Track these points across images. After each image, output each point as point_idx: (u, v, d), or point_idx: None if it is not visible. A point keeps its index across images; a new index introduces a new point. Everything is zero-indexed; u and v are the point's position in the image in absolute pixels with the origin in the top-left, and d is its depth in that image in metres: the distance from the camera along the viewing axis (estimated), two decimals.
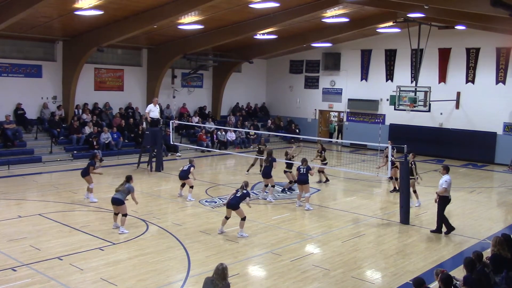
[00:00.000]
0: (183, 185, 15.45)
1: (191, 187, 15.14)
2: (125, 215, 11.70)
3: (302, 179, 14.36)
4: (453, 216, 14.24)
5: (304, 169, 14.33)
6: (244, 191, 11.67)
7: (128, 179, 12.04)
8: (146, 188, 16.73)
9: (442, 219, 12.45)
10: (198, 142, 25.19)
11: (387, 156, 15.56)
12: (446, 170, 12.41)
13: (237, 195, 11.66)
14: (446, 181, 12.16)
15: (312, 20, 22.52)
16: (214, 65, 28.70)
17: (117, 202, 11.65)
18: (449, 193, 12.33)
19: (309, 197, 14.51)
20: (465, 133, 24.93)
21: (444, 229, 12.51)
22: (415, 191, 15.12)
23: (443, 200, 12.30)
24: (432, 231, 12.56)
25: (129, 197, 11.95)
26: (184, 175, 15.13)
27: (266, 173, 15.47)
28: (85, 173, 14.48)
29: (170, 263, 10.03)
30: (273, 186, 15.60)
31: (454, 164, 23.39)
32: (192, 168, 15.13)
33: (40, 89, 22.26)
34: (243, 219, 11.63)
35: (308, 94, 30.96)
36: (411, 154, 14.75)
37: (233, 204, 11.56)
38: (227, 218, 11.79)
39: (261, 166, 17.49)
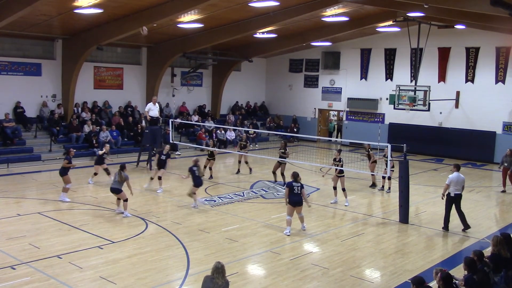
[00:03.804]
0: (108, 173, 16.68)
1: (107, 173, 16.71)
2: (126, 200, 12.96)
3: (298, 201, 11.69)
4: (452, 215, 14.22)
5: (299, 188, 11.66)
6: None
7: (122, 168, 13.11)
8: None
9: (448, 216, 12.80)
10: (197, 141, 25.19)
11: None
12: (456, 168, 12.74)
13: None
14: (449, 177, 12.58)
15: (312, 19, 22.51)
16: (213, 63, 28.66)
17: (116, 191, 13.02)
18: (458, 191, 12.56)
19: (303, 216, 12.33)
20: (465, 132, 24.93)
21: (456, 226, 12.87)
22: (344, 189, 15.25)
23: (447, 198, 12.66)
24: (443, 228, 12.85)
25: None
26: (100, 161, 16.80)
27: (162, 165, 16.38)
28: (64, 171, 14.28)
29: (169, 261, 10.03)
30: (160, 178, 16.23)
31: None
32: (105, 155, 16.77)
33: (40, 87, 22.24)
34: None
35: (307, 93, 30.95)
36: (336, 152, 16.02)
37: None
38: None
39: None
